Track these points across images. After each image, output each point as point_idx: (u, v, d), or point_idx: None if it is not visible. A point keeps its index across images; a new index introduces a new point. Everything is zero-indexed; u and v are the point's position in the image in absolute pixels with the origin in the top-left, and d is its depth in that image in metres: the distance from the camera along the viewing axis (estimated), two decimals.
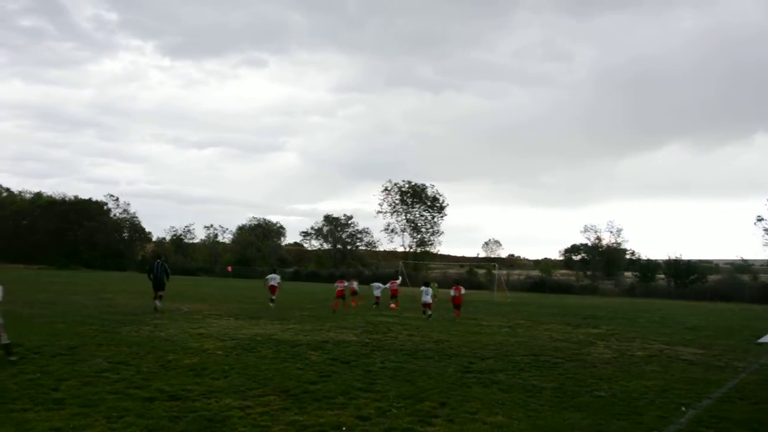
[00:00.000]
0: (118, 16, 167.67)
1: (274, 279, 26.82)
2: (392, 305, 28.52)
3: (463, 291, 25.39)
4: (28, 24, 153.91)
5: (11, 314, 17.69)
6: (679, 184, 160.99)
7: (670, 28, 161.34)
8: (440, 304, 36.02)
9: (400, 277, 35.80)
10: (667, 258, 73.97)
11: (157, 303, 21.69)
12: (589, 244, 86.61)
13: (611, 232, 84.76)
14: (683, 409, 8.98)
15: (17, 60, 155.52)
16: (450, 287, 28.57)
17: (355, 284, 30.72)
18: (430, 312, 23.84)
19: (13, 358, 10.34)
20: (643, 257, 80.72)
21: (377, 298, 28.42)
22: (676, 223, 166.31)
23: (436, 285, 46.14)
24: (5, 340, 10.40)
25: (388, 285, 29.88)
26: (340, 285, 26.83)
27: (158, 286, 22.27)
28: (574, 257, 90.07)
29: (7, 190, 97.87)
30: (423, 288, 24.95)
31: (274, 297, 26.25)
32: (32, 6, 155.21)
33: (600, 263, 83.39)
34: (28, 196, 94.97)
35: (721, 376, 12.26)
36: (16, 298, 23.54)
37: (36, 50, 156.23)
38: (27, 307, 20.64)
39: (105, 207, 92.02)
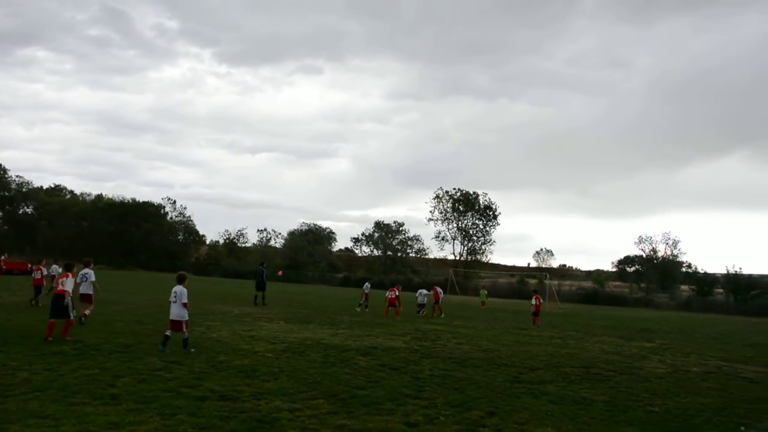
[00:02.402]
0: (178, 24, 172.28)
1: (367, 287, 30.94)
2: (420, 312, 28.75)
3: (541, 300, 28.59)
4: (95, 33, 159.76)
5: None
6: (740, 196, 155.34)
7: (731, 34, 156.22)
8: (488, 312, 35.73)
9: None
10: (725, 272, 71.70)
11: (257, 300, 27.00)
12: (644, 255, 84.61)
13: (667, 243, 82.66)
14: (742, 429, 8.68)
15: (84, 67, 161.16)
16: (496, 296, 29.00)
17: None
18: (424, 311, 28.37)
19: (190, 350, 12.27)
20: (701, 270, 78.45)
21: (422, 305, 29.06)
22: (736, 235, 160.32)
23: (486, 293, 46.07)
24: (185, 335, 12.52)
25: (431, 292, 30.01)
26: (391, 293, 26.89)
27: (259, 287, 27.50)
28: (627, 269, 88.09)
29: (71, 192, 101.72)
30: (420, 291, 29.44)
31: (363, 302, 29.42)
32: (99, 16, 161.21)
33: (655, 275, 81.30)
34: (89, 198, 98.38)
35: None
36: (76, 296, 24.34)
37: (101, 58, 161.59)
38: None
39: (162, 210, 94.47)
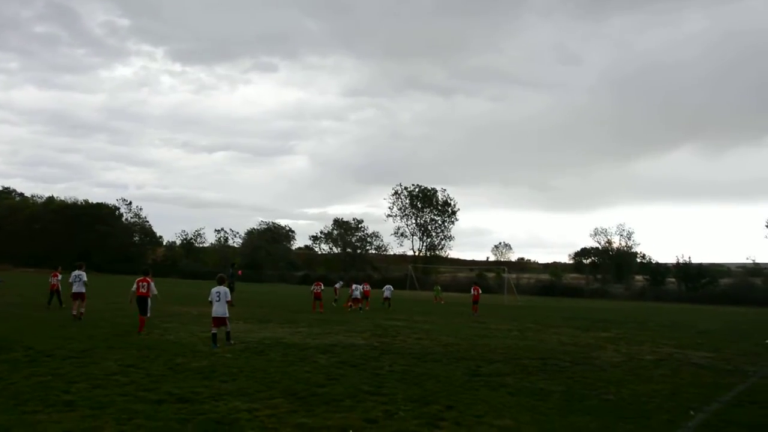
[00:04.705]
0: (129, 22, 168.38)
1: (339, 283, 35.37)
2: (347, 303, 29.65)
3: (480, 291, 31.95)
4: (41, 30, 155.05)
5: (26, 317, 17.94)
6: (691, 187, 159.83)
7: (681, 29, 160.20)
8: (447, 306, 36.06)
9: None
10: (676, 261, 73.73)
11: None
12: (600, 247, 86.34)
13: (621, 235, 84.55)
14: (692, 413, 8.95)
15: (31, 66, 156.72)
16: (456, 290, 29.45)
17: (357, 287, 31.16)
18: (359, 306, 28.87)
19: (231, 342, 13.94)
20: (654, 261, 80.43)
21: (357, 299, 29.39)
22: (687, 226, 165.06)
23: (440, 288, 47.07)
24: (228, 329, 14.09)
25: (363, 287, 30.32)
26: (316, 287, 27.16)
27: (230, 287, 26.03)
28: (584, 261, 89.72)
29: (21, 194, 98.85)
30: (354, 286, 29.77)
31: (336, 297, 33.02)
32: (46, 13, 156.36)
33: (610, 267, 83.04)
34: (40, 200, 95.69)
35: (731, 380, 12.22)
36: (28, 302, 23.78)
37: (49, 56, 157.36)
38: (40, 310, 20.82)
39: (117, 211, 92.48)
